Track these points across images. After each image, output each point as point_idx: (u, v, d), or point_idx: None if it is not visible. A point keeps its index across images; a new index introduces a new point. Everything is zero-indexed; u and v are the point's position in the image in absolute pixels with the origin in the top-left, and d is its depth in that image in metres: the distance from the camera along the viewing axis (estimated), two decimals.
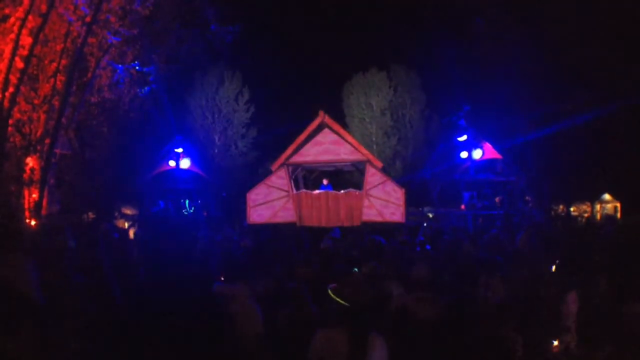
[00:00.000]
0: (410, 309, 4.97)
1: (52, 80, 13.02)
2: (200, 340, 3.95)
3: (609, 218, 19.36)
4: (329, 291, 4.26)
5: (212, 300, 4.82)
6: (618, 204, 23.00)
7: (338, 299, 4.16)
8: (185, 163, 21.37)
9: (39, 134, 12.87)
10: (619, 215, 22.12)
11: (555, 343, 5.30)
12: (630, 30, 13.47)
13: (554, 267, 6.36)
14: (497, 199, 21.28)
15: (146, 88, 16.90)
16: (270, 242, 12.16)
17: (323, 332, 4.06)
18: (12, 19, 11.02)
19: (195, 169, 22.43)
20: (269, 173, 18.41)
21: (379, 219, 16.98)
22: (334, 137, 17.52)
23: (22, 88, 11.95)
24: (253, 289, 5.08)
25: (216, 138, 33.70)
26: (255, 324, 4.65)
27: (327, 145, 17.57)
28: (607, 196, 23.80)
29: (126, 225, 19.42)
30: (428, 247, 10.68)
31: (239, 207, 19.22)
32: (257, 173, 30.41)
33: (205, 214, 22.68)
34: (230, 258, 8.73)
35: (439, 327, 4.82)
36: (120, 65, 15.50)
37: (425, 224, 18.77)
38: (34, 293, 3.77)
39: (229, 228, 17.09)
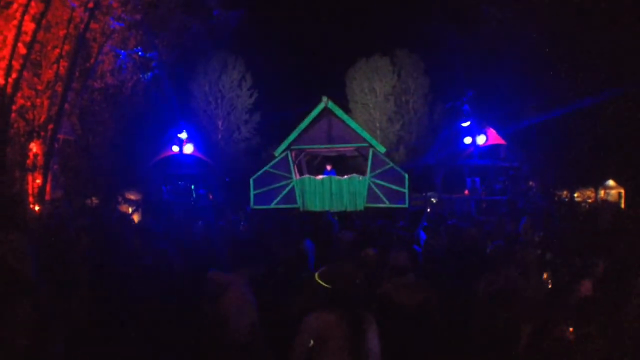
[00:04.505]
0: (392, 296, 4.96)
1: (55, 66, 13.02)
2: (190, 331, 3.95)
3: (606, 204, 19.31)
4: (316, 275, 4.28)
5: (203, 288, 4.79)
6: (622, 190, 22.91)
7: (324, 284, 4.18)
8: (188, 148, 21.42)
9: (42, 119, 12.88)
10: (622, 201, 22.06)
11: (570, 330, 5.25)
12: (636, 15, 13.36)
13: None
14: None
15: (149, 74, 16.87)
16: (272, 228, 12.16)
17: (316, 315, 4.05)
18: (14, 5, 10.98)
19: (199, 154, 22.48)
20: (272, 158, 18.41)
21: (382, 204, 17.00)
22: (338, 122, 17.50)
23: (25, 74, 11.95)
24: (251, 276, 4.98)
25: (219, 123, 33.69)
26: (250, 314, 4.56)
27: (330, 131, 17.56)
28: (611, 182, 23.71)
29: (130, 210, 19.49)
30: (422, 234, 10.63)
31: (242, 192, 19.25)
32: (260, 158, 30.43)
33: (210, 197, 22.76)
34: (233, 243, 8.74)
35: (423, 313, 4.82)
36: (123, 51, 15.49)
37: (428, 210, 18.80)
38: (31, 274, 3.80)
39: (232, 213, 17.15)
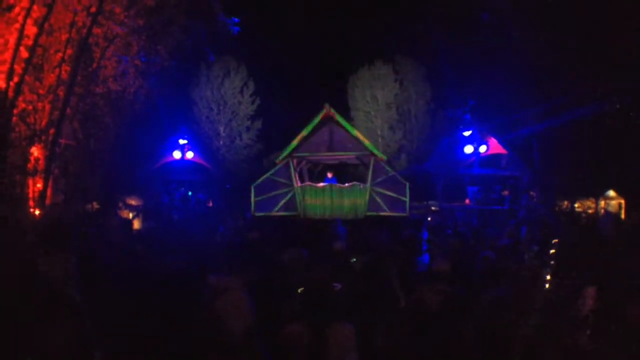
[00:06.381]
0: (427, 301, 4.98)
1: (57, 70, 13.00)
2: (187, 335, 3.94)
3: (607, 215, 19.30)
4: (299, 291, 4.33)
5: (201, 292, 4.79)
6: (622, 201, 22.88)
7: (298, 290, 4.22)
8: (189, 154, 21.44)
9: (43, 124, 12.86)
10: (623, 212, 22.00)
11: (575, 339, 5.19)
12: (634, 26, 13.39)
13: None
14: (505, 192, 21.26)
15: (151, 79, 16.88)
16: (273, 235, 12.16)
17: (287, 328, 4.12)
18: (17, 9, 10.99)
19: (200, 161, 22.50)
20: (273, 165, 18.42)
21: (383, 212, 16.99)
22: (339, 130, 17.51)
23: (27, 78, 11.93)
24: (249, 280, 5.01)
25: (221, 130, 33.69)
26: (246, 318, 4.57)
27: (331, 138, 17.57)
28: (611, 192, 23.68)
29: (130, 215, 19.47)
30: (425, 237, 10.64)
31: (243, 199, 19.25)
32: (261, 165, 30.43)
33: (210, 204, 22.77)
34: (233, 249, 8.74)
35: (448, 317, 4.84)
36: (125, 56, 15.48)
37: (429, 219, 18.77)
38: (74, 292, 3.81)
39: (232, 220, 17.15)
